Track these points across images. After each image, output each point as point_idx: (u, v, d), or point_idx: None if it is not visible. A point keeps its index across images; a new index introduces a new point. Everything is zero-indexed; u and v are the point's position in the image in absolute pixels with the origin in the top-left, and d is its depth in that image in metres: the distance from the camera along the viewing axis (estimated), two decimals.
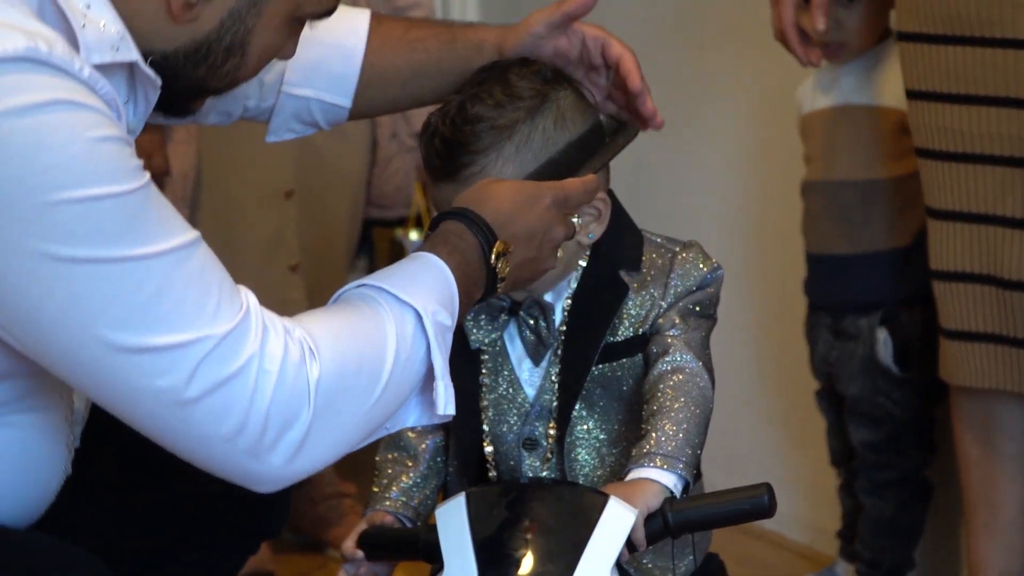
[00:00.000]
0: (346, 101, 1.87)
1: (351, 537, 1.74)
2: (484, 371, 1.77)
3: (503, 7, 3.80)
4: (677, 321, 1.72)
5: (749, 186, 3.27)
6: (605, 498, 1.58)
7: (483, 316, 1.76)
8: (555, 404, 1.74)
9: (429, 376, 1.53)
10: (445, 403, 1.52)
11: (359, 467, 3.57)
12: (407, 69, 1.86)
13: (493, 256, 1.57)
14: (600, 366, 1.74)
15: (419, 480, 1.79)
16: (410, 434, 1.81)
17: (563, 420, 1.74)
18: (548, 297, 1.75)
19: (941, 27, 2.26)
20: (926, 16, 2.28)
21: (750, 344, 3.18)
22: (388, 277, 1.52)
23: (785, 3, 2.46)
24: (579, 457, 1.75)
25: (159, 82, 1.53)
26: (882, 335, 2.62)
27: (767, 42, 2.60)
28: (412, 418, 1.56)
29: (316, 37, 1.82)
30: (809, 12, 2.47)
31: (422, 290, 1.51)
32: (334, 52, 1.85)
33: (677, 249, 1.76)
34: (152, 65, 1.50)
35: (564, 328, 1.74)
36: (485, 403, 1.77)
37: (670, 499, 1.59)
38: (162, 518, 1.81)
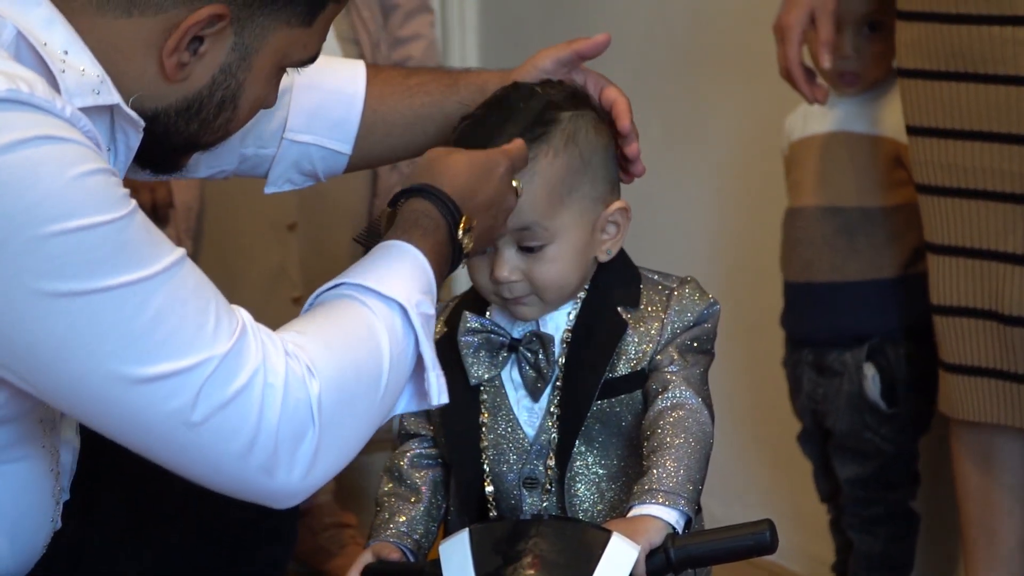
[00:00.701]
0: (347, 147, 1.87)
1: (355, 568, 1.74)
2: (483, 411, 1.77)
3: (502, 41, 3.82)
4: (676, 357, 1.73)
5: (733, 219, 3.28)
6: (608, 534, 1.58)
7: (483, 352, 1.76)
8: (555, 440, 1.75)
9: (418, 366, 1.53)
10: (438, 393, 1.53)
11: (359, 498, 3.59)
12: (409, 113, 1.87)
13: (460, 232, 1.57)
14: (599, 402, 1.74)
15: (421, 514, 1.79)
16: (412, 470, 1.81)
17: (563, 456, 1.74)
18: (547, 329, 1.76)
19: (943, 64, 2.27)
20: (928, 53, 2.29)
21: (746, 375, 3.19)
22: (366, 272, 1.51)
23: (790, 41, 2.45)
24: (579, 492, 1.75)
25: (142, 123, 1.53)
26: (870, 371, 2.61)
27: (751, 75, 2.60)
28: (402, 405, 1.55)
29: (317, 84, 1.84)
30: (813, 46, 2.48)
31: (403, 282, 1.50)
32: (335, 98, 1.86)
33: (674, 286, 1.76)
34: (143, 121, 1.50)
35: (563, 363, 1.75)
36: (485, 443, 1.77)
37: (672, 535, 1.60)
38: (167, 561, 1.80)
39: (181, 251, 1.41)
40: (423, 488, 1.81)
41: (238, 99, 1.52)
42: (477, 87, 1.83)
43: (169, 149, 1.56)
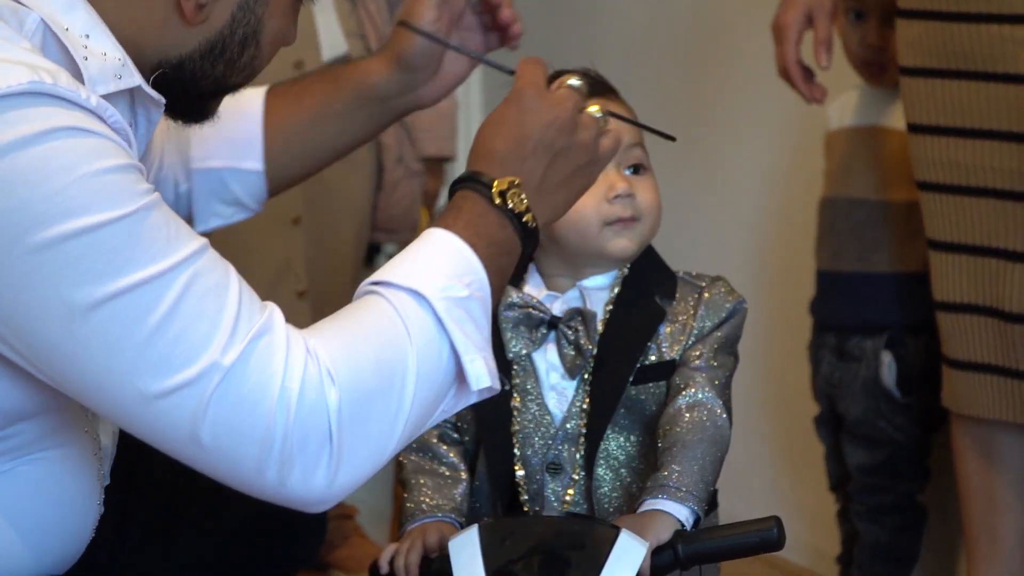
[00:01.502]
0: (258, 164, 1.87)
1: (414, 547, 1.70)
2: (515, 394, 1.78)
3: None
4: (705, 354, 1.76)
5: (754, 214, 3.28)
6: (616, 531, 1.59)
7: (523, 328, 1.77)
8: (584, 423, 1.76)
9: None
10: (477, 378, 1.44)
11: (360, 489, 3.59)
12: (305, 118, 1.88)
13: (496, 198, 1.49)
14: (628, 388, 1.76)
15: (465, 490, 1.78)
16: (443, 446, 1.80)
17: (594, 437, 1.75)
18: (590, 305, 1.77)
19: (944, 62, 2.28)
20: (928, 51, 2.29)
21: (753, 368, 3.19)
22: (391, 268, 1.46)
23: (788, 41, 2.45)
24: (599, 475, 1.76)
25: (163, 101, 1.53)
26: (887, 358, 2.63)
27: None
28: (446, 402, 1.47)
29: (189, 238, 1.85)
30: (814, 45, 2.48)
31: (427, 270, 1.44)
32: (233, 118, 1.85)
33: (704, 284, 1.80)
34: (168, 73, 1.51)
35: (597, 345, 1.76)
36: (516, 427, 1.78)
37: (680, 532, 1.62)
38: (197, 552, 1.81)
39: (202, 242, 1.39)
40: (459, 463, 1.80)
41: (259, 35, 1.52)
42: (359, 78, 1.85)
43: (197, 95, 1.56)
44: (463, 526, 1.73)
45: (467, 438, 1.82)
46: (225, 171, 1.87)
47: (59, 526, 1.57)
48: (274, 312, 1.40)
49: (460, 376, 1.45)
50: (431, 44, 1.81)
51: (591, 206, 1.74)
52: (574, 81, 1.60)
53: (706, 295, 1.78)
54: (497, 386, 1.47)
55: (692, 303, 1.78)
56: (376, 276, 1.47)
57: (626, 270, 1.80)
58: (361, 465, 1.42)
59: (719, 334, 1.77)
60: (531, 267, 1.82)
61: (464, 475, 1.79)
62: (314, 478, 1.39)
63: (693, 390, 1.73)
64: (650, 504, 1.65)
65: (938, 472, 2.71)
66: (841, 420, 2.72)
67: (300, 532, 1.87)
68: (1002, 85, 2.22)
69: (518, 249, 1.51)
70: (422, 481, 1.78)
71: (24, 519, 1.53)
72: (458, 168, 4.11)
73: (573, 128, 1.54)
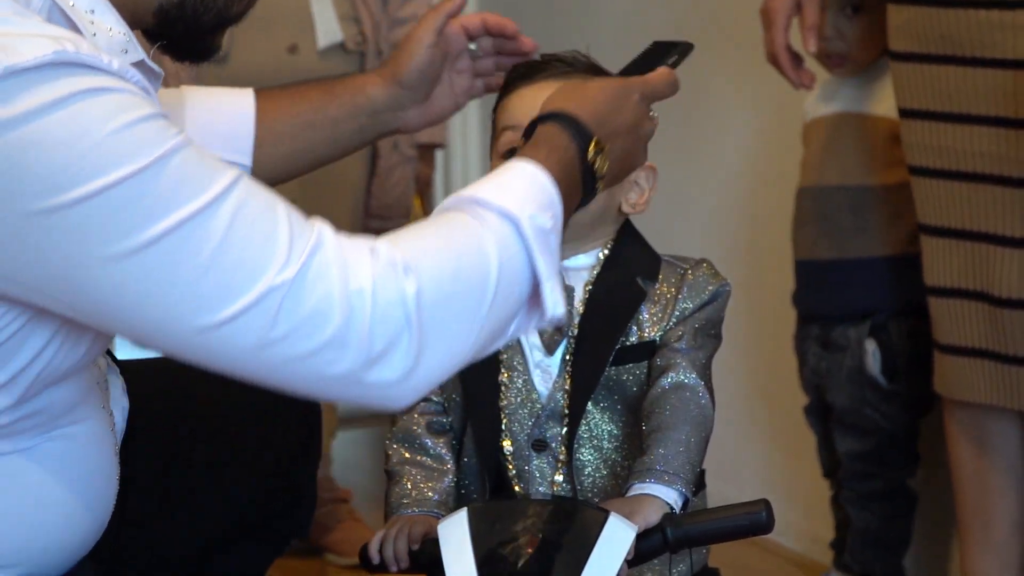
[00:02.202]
0: (246, 159, 1.88)
1: (400, 542, 1.72)
2: (502, 370, 1.79)
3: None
4: (685, 336, 1.76)
5: (743, 200, 3.28)
6: (605, 514, 1.60)
7: None
8: (567, 404, 1.76)
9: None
10: (553, 304, 1.47)
11: (353, 472, 3.60)
12: (297, 121, 1.90)
13: (591, 153, 1.54)
14: (608, 369, 1.76)
15: (451, 484, 1.79)
16: (431, 436, 1.81)
17: (574, 419, 1.75)
18: (569, 282, 1.77)
19: (934, 47, 2.28)
20: (919, 36, 2.29)
21: (746, 354, 3.20)
22: (480, 187, 1.48)
23: (777, 26, 2.45)
24: (583, 456, 1.77)
25: (162, 73, 1.56)
26: (871, 347, 2.63)
27: (763, 58, 2.61)
28: (518, 322, 1.49)
29: (206, 103, 1.88)
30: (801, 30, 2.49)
31: (516, 195, 1.46)
32: (226, 111, 1.88)
33: (688, 267, 1.80)
34: (171, 12, 1.53)
35: (578, 326, 1.76)
36: (504, 402, 1.78)
37: (669, 515, 1.62)
38: (192, 524, 1.83)
39: (238, 171, 1.39)
40: (445, 455, 1.81)
41: None
42: (356, 88, 1.89)
43: (201, 31, 1.58)
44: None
45: (452, 417, 1.82)
46: None
47: (84, 502, 1.59)
48: (324, 226, 1.40)
49: (532, 300, 1.48)
50: (429, 65, 1.86)
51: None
52: (654, 114, 1.67)
53: (689, 277, 1.78)
54: (562, 312, 1.48)
55: (674, 284, 1.78)
56: (462, 193, 1.48)
57: (607, 251, 1.80)
58: (440, 359, 1.42)
59: (700, 315, 1.77)
60: None
61: (450, 468, 1.80)
62: (395, 370, 1.39)
63: (675, 372, 1.73)
64: (638, 488, 1.65)
65: (929, 457, 2.72)
66: (830, 409, 2.73)
67: (292, 504, 1.89)
68: (989, 70, 2.23)
69: (575, 206, 1.55)
70: (408, 472, 1.79)
71: (51, 496, 1.55)
72: (448, 155, 4.14)
73: (646, 136, 1.64)
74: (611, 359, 1.75)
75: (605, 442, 1.77)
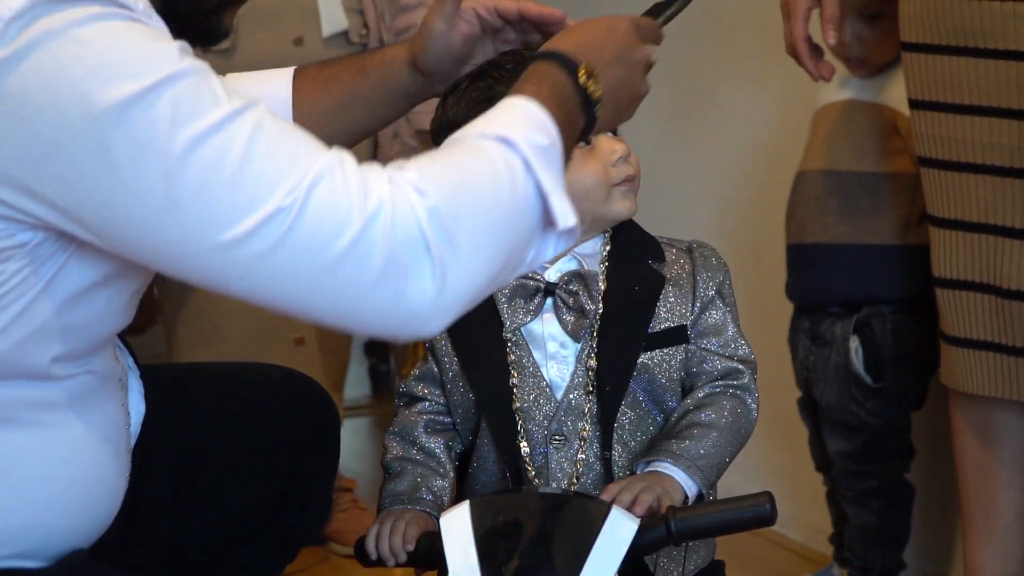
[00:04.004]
0: None
1: (396, 538, 1.72)
2: (512, 372, 1.78)
3: None
4: (738, 328, 1.80)
5: (744, 190, 3.28)
6: (607, 507, 1.60)
7: (518, 299, 1.77)
8: (591, 393, 1.76)
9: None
10: (564, 215, 1.47)
11: (355, 461, 3.60)
12: (331, 105, 1.90)
13: (583, 77, 1.55)
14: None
15: (447, 485, 1.80)
16: (429, 436, 1.81)
17: (608, 407, 1.75)
18: (588, 265, 1.78)
19: (943, 38, 2.27)
20: (929, 26, 2.29)
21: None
22: (472, 125, 1.50)
23: (797, 18, 2.45)
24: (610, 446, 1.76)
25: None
26: (854, 344, 2.62)
27: (769, 46, 2.61)
28: (536, 241, 1.50)
29: (246, 91, 1.87)
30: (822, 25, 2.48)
31: (508, 122, 1.48)
32: (264, 101, 1.87)
33: (694, 245, 1.82)
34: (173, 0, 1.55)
35: (600, 316, 1.76)
36: (517, 404, 1.78)
37: (672, 507, 1.62)
38: (205, 528, 1.83)
39: (252, 98, 1.43)
40: (441, 454, 1.81)
41: None
42: (385, 65, 1.88)
43: (205, 13, 1.61)
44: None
45: (461, 424, 1.82)
46: None
47: (92, 491, 1.60)
48: (344, 153, 1.42)
49: (544, 220, 1.48)
50: (444, 51, 1.84)
51: (598, 171, 1.77)
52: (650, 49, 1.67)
53: (697, 253, 1.81)
54: (578, 228, 1.49)
55: (686, 262, 1.80)
56: (458, 132, 1.49)
57: (608, 236, 1.81)
58: (467, 275, 1.41)
59: (727, 294, 1.80)
60: None
61: (447, 469, 1.80)
62: (422, 287, 1.38)
63: (741, 381, 1.77)
64: (665, 467, 1.68)
65: (927, 449, 2.71)
66: (817, 405, 2.72)
67: (305, 511, 1.89)
68: (1002, 62, 2.22)
69: (579, 132, 1.56)
70: (403, 468, 1.80)
71: (61, 479, 1.57)
72: None
73: (640, 62, 1.64)
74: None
75: (628, 431, 1.77)
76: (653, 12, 1.75)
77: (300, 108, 1.90)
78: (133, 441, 1.76)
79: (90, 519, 1.61)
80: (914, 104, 2.35)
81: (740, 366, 1.78)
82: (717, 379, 1.78)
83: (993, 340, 2.32)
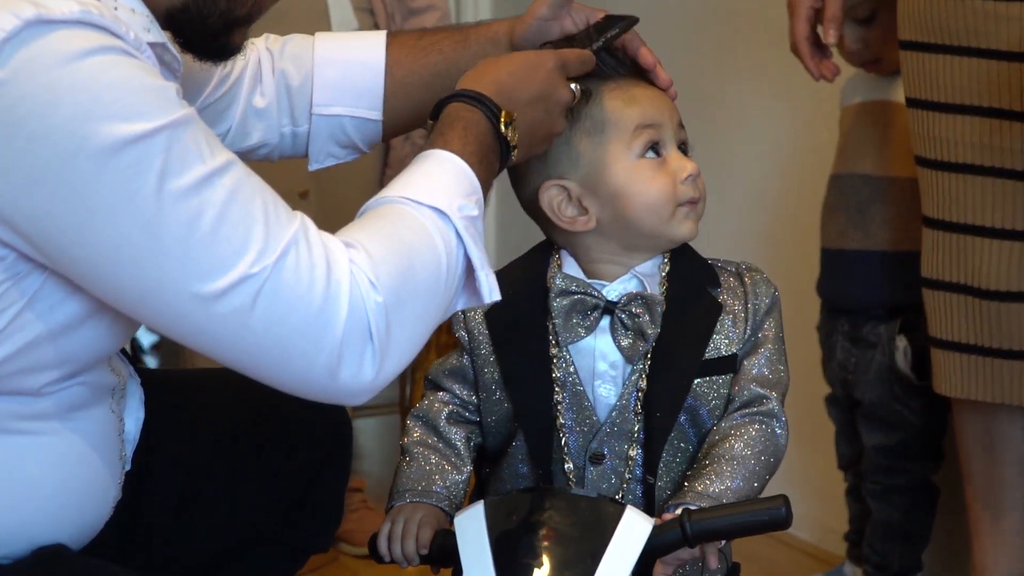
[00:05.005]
0: (376, 114, 1.90)
1: (409, 543, 1.71)
2: (556, 388, 1.75)
3: (514, 11, 3.81)
4: (775, 353, 1.75)
5: (766, 192, 3.28)
6: (622, 507, 1.60)
7: (575, 315, 1.74)
8: (639, 416, 1.73)
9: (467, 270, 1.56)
10: (489, 291, 1.56)
11: (370, 461, 3.60)
12: (426, 73, 1.90)
13: (502, 125, 1.60)
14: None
15: (463, 481, 1.78)
16: (450, 425, 1.80)
17: (659, 432, 1.72)
18: (649, 285, 1.75)
19: (932, 36, 2.27)
20: (920, 25, 2.29)
21: None
22: (405, 185, 1.54)
23: (800, 17, 2.45)
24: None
25: (181, 66, 1.59)
26: (902, 343, 2.62)
27: (780, 47, 2.60)
28: (459, 303, 1.58)
29: (337, 58, 1.90)
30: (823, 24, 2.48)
31: (442, 188, 1.53)
32: (356, 68, 1.90)
33: (744, 268, 1.79)
34: (177, 16, 1.55)
35: (652, 348, 1.73)
36: (560, 420, 1.75)
37: (688, 509, 1.61)
38: (212, 539, 1.83)
39: (234, 155, 1.44)
40: (461, 448, 1.79)
41: None
42: (488, 39, 1.88)
43: (211, 33, 1.60)
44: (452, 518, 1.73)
45: (493, 427, 1.80)
46: (346, 118, 1.92)
47: (78, 500, 1.60)
48: (306, 219, 1.47)
49: (467, 287, 1.57)
50: (537, 36, 1.85)
51: (666, 187, 1.73)
52: (575, 86, 1.70)
53: (747, 278, 1.77)
54: (498, 297, 1.57)
55: (738, 287, 1.77)
56: (398, 192, 1.53)
57: (666, 257, 1.78)
58: (400, 358, 1.49)
59: (774, 322, 1.76)
60: (564, 254, 1.79)
61: (465, 465, 1.78)
62: (361, 373, 1.46)
63: (769, 407, 1.73)
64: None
65: (949, 453, 2.71)
66: (857, 403, 2.72)
67: (315, 518, 1.89)
68: (983, 61, 2.21)
69: (495, 175, 1.62)
70: (421, 455, 1.78)
71: (44, 490, 1.56)
72: None
73: (559, 103, 1.67)
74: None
75: (672, 456, 1.75)
76: (586, 38, 1.77)
77: (393, 75, 1.90)
78: (132, 447, 1.75)
79: (74, 526, 1.60)
80: (909, 103, 2.35)
81: (765, 391, 1.74)
82: (743, 407, 1.74)
83: (971, 342, 2.31)
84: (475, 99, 1.60)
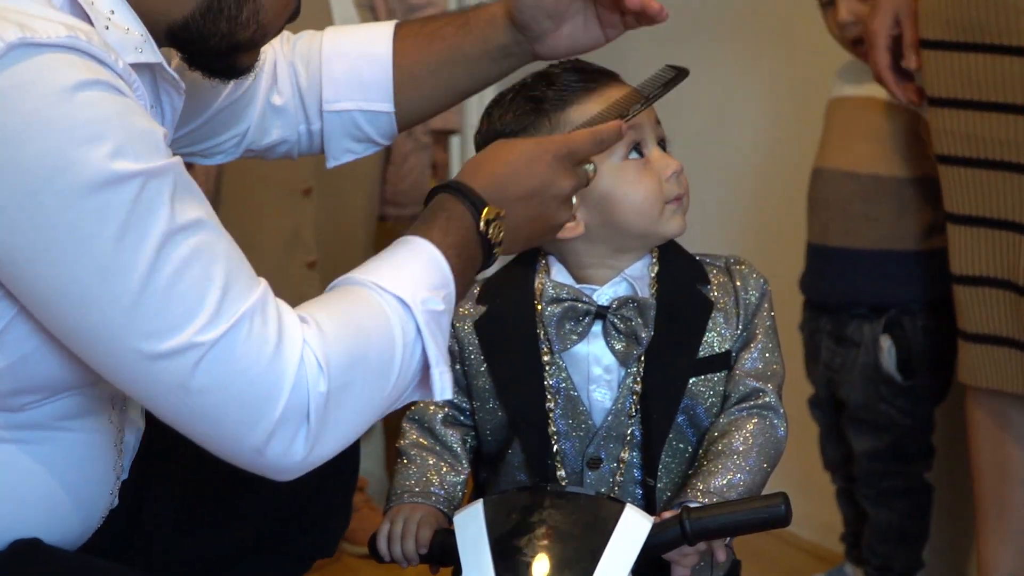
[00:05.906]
0: (388, 106, 1.89)
1: (408, 542, 1.72)
2: (548, 396, 1.75)
3: None
4: (769, 346, 1.75)
5: (751, 187, 3.28)
6: (621, 506, 1.60)
7: (567, 323, 1.73)
8: (634, 418, 1.73)
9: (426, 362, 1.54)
10: (442, 389, 1.52)
11: (371, 461, 3.60)
12: (432, 61, 1.89)
13: (482, 223, 1.56)
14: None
15: (461, 482, 1.78)
16: (446, 428, 1.80)
17: (656, 434, 1.72)
18: (639, 288, 1.74)
19: (961, 34, 2.28)
20: (948, 24, 2.29)
21: None
22: (377, 269, 1.53)
23: (880, 48, 2.46)
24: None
25: (183, 85, 1.57)
26: (886, 343, 2.62)
27: (779, 37, 2.60)
28: (407, 396, 1.55)
29: (344, 53, 1.88)
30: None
31: (411, 278, 1.51)
32: (363, 62, 1.88)
33: (732, 262, 1.78)
34: (178, 35, 1.53)
35: (645, 350, 1.73)
36: (553, 428, 1.75)
37: (687, 507, 1.61)
38: (213, 546, 1.82)
39: (209, 210, 1.42)
40: (458, 449, 1.79)
41: None
42: (487, 21, 1.86)
43: (214, 55, 1.58)
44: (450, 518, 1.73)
45: (490, 433, 1.79)
46: (356, 112, 1.90)
47: (62, 509, 1.58)
48: (267, 290, 1.44)
49: (422, 380, 1.54)
50: (538, 6, 1.82)
51: (652, 187, 1.73)
52: (589, 167, 1.65)
53: (736, 271, 1.77)
54: (450, 396, 1.54)
55: (727, 282, 1.76)
56: (366, 276, 1.52)
57: (655, 257, 1.78)
58: (334, 445, 1.48)
59: (766, 314, 1.76)
60: (551, 259, 1.79)
61: (463, 466, 1.78)
62: (291, 452, 1.44)
63: (765, 401, 1.72)
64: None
65: (946, 449, 2.71)
66: (842, 405, 2.71)
67: (320, 523, 1.88)
68: (1017, 58, 2.22)
69: (477, 272, 1.60)
70: (418, 457, 1.78)
71: (27, 497, 1.55)
72: (463, 141, 4.14)
73: (558, 196, 1.62)
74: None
75: (671, 457, 1.75)
76: (651, 85, 1.73)
77: (401, 68, 1.89)
78: (131, 457, 1.75)
79: (58, 534, 1.59)
80: (933, 101, 2.35)
81: (761, 384, 1.74)
82: (740, 401, 1.74)
83: (1010, 336, 2.32)
84: (460, 192, 1.57)
